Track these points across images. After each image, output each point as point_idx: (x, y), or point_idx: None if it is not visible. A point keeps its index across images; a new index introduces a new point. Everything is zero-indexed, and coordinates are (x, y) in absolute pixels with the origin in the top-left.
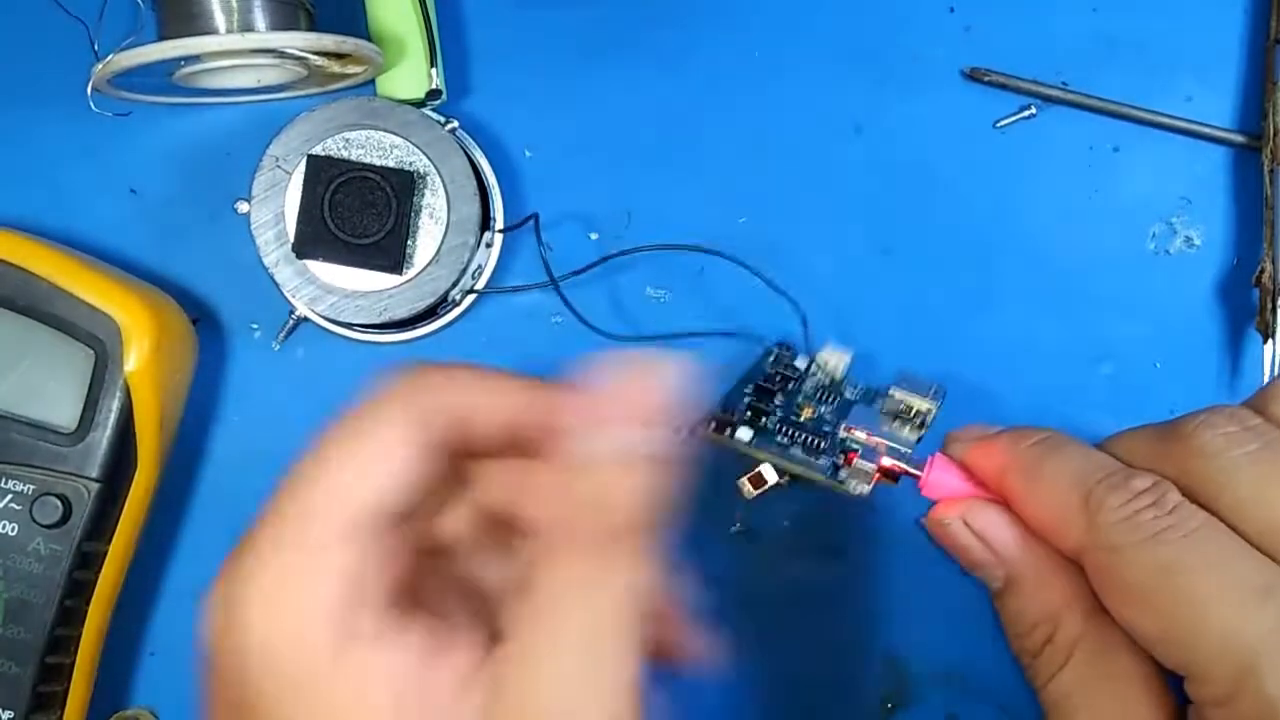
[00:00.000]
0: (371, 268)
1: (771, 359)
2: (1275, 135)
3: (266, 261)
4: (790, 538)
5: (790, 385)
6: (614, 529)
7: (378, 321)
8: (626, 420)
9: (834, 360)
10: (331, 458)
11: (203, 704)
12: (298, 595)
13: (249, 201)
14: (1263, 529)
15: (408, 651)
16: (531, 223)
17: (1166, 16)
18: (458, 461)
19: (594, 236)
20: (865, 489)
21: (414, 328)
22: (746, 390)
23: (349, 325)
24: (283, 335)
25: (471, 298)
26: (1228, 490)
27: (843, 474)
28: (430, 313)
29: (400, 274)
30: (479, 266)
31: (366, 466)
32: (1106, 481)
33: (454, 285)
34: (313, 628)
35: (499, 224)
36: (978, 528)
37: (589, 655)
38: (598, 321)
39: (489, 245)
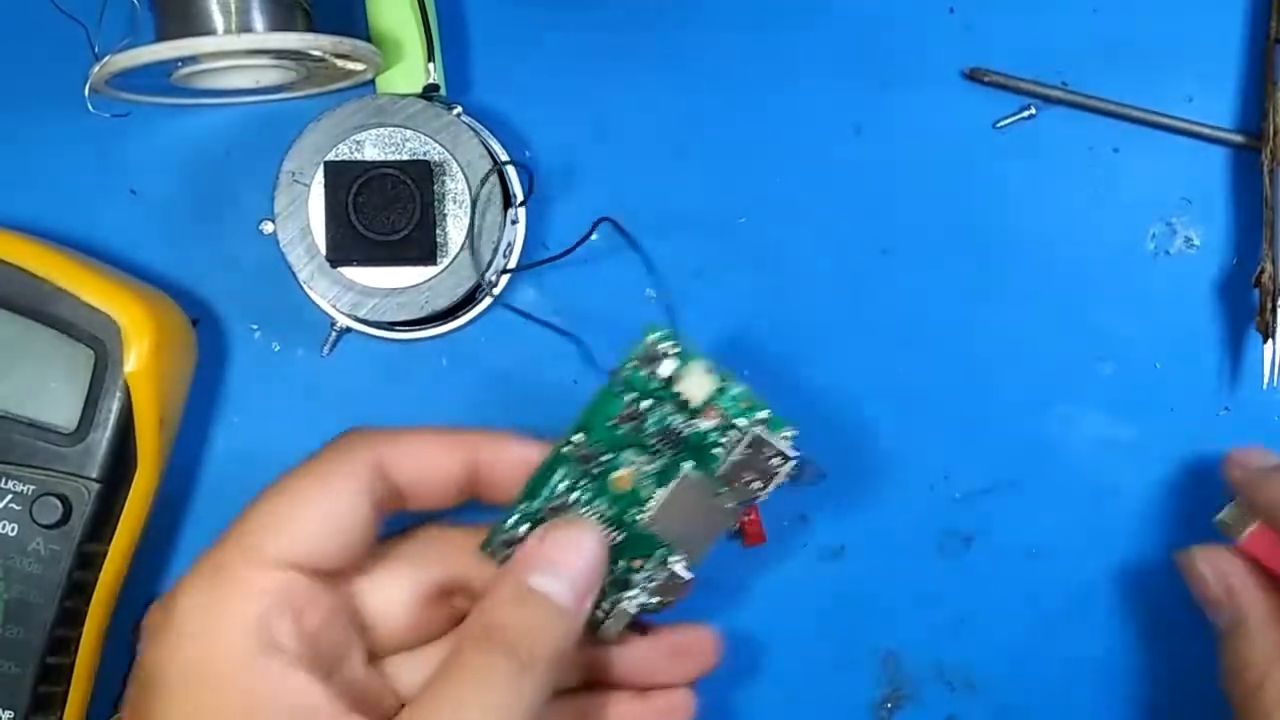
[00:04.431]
0: (407, 262)
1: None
2: (1275, 135)
3: (301, 277)
4: (790, 538)
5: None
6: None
7: (421, 315)
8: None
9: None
10: (264, 500)
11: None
12: (215, 623)
13: (273, 221)
14: None
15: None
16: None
17: (1166, 17)
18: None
19: (594, 237)
20: (615, 631)
21: (453, 318)
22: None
23: (390, 325)
24: (327, 348)
25: (506, 278)
26: None
27: (600, 611)
28: (469, 299)
29: (435, 263)
30: (509, 244)
31: (291, 508)
32: None
33: (489, 265)
34: (223, 653)
35: (519, 198)
36: (1220, 568)
37: None
38: (597, 322)
39: (515, 221)
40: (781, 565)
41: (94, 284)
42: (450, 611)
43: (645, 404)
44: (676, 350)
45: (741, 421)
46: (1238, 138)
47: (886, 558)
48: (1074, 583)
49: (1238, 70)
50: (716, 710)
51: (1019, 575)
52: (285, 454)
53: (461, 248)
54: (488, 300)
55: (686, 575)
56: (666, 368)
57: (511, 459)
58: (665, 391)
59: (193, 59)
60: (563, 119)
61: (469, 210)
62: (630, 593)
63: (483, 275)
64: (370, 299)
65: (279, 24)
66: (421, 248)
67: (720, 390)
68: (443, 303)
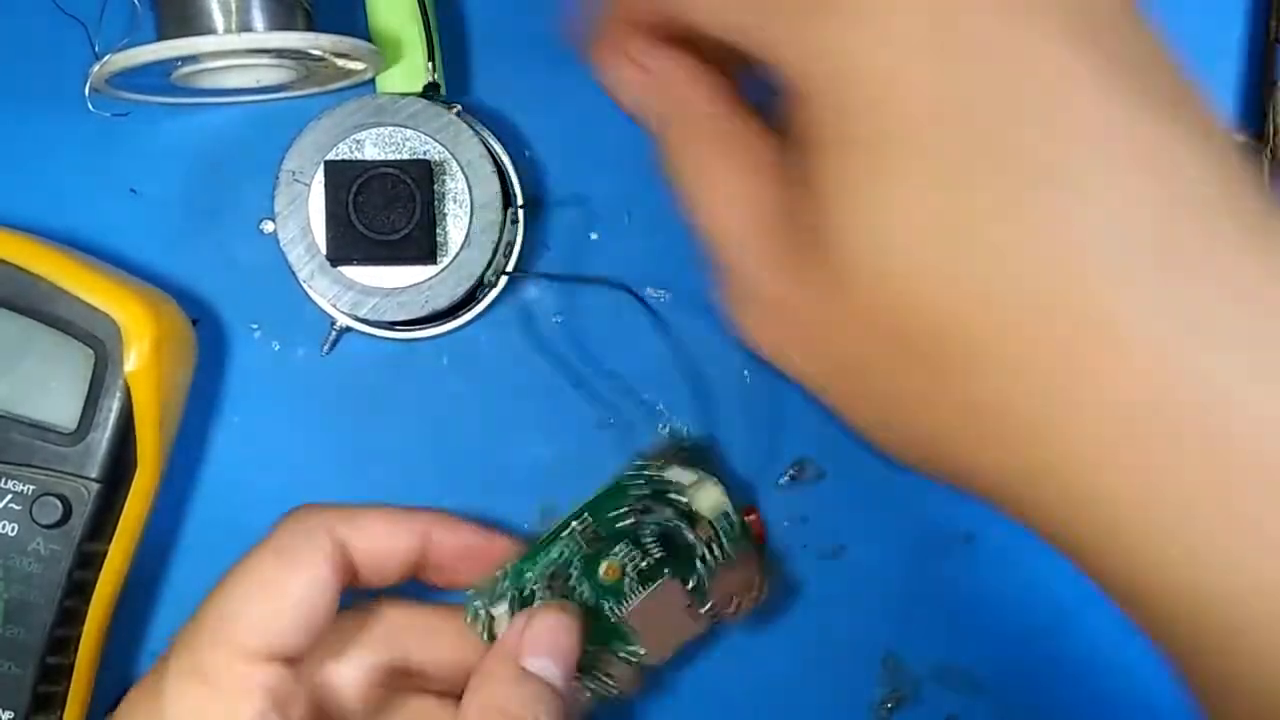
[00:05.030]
0: (407, 261)
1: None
2: (1275, 135)
3: (301, 276)
4: (790, 538)
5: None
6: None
7: (421, 315)
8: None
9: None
10: (236, 589)
11: None
12: None
13: (273, 221)
14: None
15: None
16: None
17: (1166, 17)
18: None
19: (594, 236)
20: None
21: (453, 318)
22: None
23: (391, 325)
24: (327, 347)
25: (505, 279)
26: None
27: None
28: (469, 299)
29: (435, 263)
30: (509, 244)
31: (268, 598)
32: None
33: (489, 266)
34: None
35: (520, 199)
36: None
37: None
38: (597, 323)
39: (515, 222)
40: (781, 565)
41: (94, 284)
42: (397, 690)
43: (654, 504)
44: (702, 460)
45: (728, 547)
46: (1238, 138)
47: (886, 558)
48: (1074, 583)
49: (1238, 70)
50: (716, 710)
51: (1019, 575)
52: (285, 454)
53: (461, 247)
54: (488, 299)
55: (646, 667)
56: (688, 476)
57: (459, 544)
58: (675, 497)
59: (193, 58)
60: (563, 118)
61: (469, 210)
62: (588, 681)
63: (482, 276)
64: (370, 298)
65: (279, 23)
66: (422, 247)
67: (725, 514)
68: (443, 302)
